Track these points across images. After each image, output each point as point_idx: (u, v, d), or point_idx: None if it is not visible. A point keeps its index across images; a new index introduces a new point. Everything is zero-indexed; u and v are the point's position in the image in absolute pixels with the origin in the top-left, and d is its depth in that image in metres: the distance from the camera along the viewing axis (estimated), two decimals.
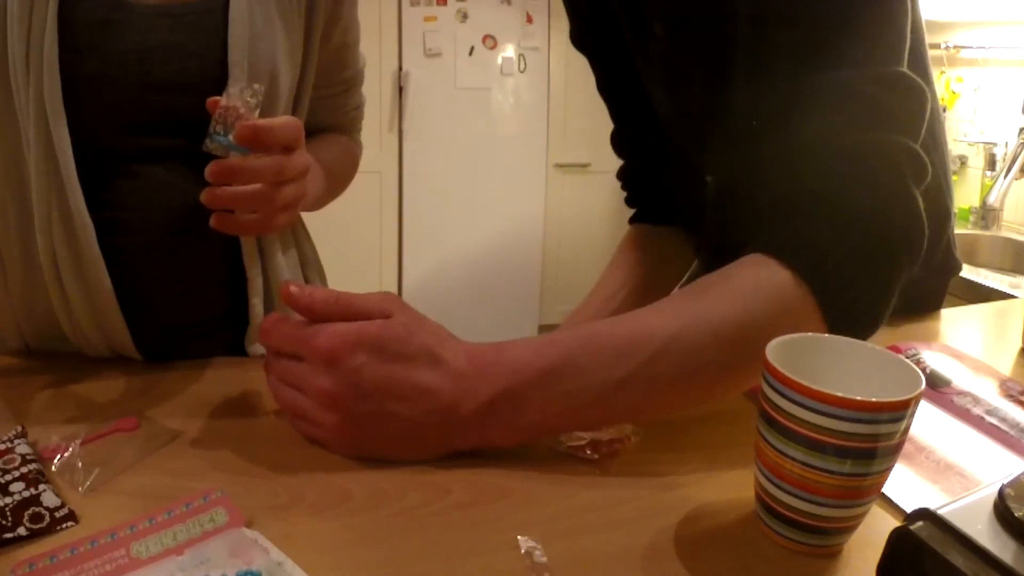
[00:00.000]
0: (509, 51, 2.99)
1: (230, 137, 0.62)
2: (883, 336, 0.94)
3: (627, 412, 0.59)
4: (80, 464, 0.56)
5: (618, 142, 1.05)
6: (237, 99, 0.62)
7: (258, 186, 0.64)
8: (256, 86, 0.64)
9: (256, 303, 0.78)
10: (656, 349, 0.56)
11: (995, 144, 2.14)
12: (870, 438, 0.47)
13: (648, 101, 0.91)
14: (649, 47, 0.85)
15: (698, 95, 0.78)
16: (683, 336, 0.56)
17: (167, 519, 0.52)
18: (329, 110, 0.89)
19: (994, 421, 0.72)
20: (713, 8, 0.70)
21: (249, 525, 0.51)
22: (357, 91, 0.94)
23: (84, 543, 0.49)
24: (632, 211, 1.08)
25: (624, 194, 1.08)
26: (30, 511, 0.51)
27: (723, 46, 0.70)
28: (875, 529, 0.52)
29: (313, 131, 0.88)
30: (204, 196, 0.64)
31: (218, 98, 0.63)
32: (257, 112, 0.63)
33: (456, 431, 0.57)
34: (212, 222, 0.66)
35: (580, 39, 0.99)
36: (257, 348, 0.81)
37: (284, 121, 0.65)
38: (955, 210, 0.71)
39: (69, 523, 0.51)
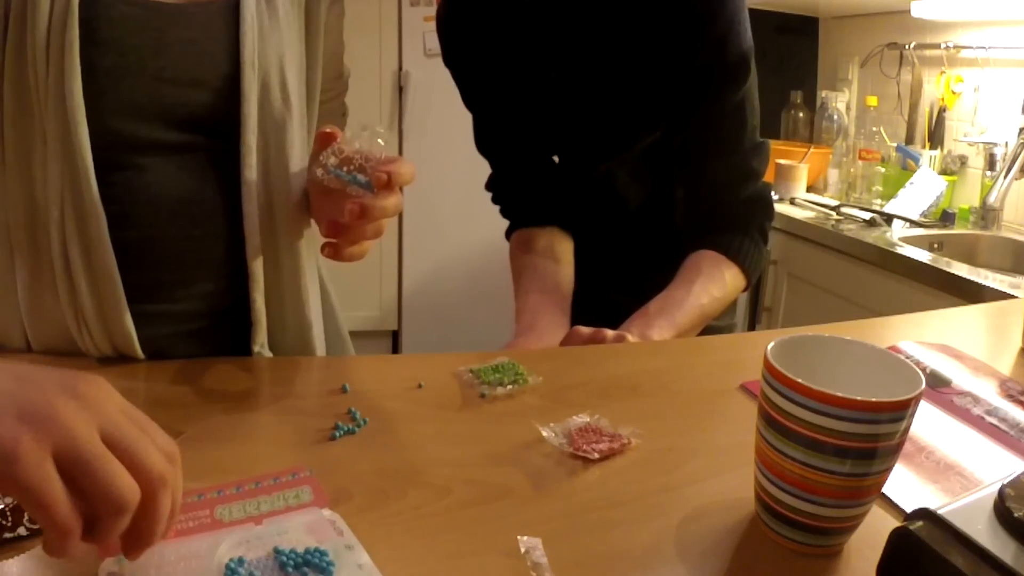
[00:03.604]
0: None
1: (357, 175, 0.66)
2: (883, 336, 0.94)
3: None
4: None
5: (490, 146, 1.14)
6: (368, 141, 0.68)
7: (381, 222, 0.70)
8: (380, 128, 0.69)
9: (257, 298, 0.79)
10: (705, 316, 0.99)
11: (995, 144, 2.14)
12: (870, 438, 0.47)
13: (519, 106, 1.06)
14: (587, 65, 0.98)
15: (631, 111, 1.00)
16: (716, 305, 0.99)
17: (253, 489, 0.54)
18: (321, 116, 0.91)
19: (994, 421, 0.72)
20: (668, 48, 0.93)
21: (332, 507, 0.53)
22: (342, 99, 0.96)
23: None
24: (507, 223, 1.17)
25: (497, 207, 1.17)
26: None
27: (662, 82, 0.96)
28: (875, 529, 0.52)
29: None
30: (327, 230, 0.70)
31: (329, 131, 0.68)
32: (383, 153, 0.68)
33: None
34: (325, 252, 0.71)
35: (453, 57, 1.10)
36: (261, 346, 0.81)
37: (409, 167, 0.68)
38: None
39: None
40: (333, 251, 0.71)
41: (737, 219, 1.03)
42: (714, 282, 0.99)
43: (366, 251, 0.73)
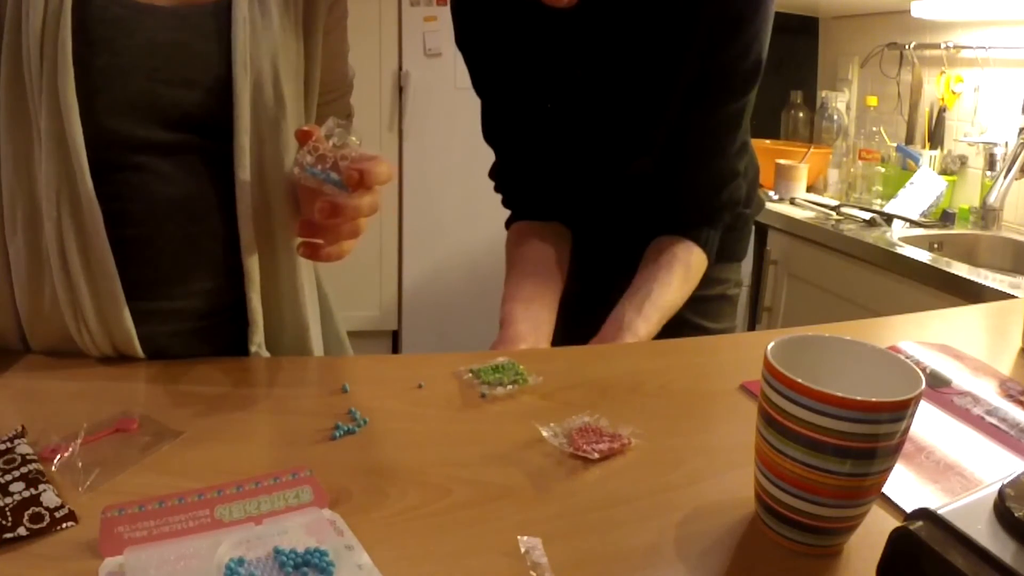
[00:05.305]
0: None
1: (331, 174, 0.65)
2: (883, 336, 0.94)
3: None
4: (80, 464, 0.57)
5: (496, 135, 1.11)
6: (341, 138, 0.67)
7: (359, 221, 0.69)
8: (352, 125, 0.69)
9: (253, 297, 0.79)
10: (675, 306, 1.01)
11: (995, 144, 2.14)
12: (870, 438, 0.47)
13: (532, 97, 1.03)
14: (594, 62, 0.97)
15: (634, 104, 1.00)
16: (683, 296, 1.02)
17: (254, 489, 0.55)
18: (325, 117, 0.90)
19: (994, 421, 0.72)
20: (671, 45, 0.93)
21: (332, 507, 0.53)
22: (347, 100, 0.96)
23: (172, 498, 0.53)
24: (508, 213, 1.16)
25: (500, 196, 1.15)
26: (30, 511, 0.51)
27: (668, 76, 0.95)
28: (875, 529, 0.52)
29: None
30: (301, 230, 0.70)
31: (307, 129, 0.68)
32: (358, 150, 0.67)
33: None
34: (301, 252, 0.70)
35: (466, 40, 1.06)
36: (259, 346, 0.81)
37: (385, 167, 0.67)
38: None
39: (69, 523, 0.51)
40: (309, 251, 0.70)
41: (713, 216, 1.06)
42: (693, 281, 1.04)
43: (345, 251, 0.72)
